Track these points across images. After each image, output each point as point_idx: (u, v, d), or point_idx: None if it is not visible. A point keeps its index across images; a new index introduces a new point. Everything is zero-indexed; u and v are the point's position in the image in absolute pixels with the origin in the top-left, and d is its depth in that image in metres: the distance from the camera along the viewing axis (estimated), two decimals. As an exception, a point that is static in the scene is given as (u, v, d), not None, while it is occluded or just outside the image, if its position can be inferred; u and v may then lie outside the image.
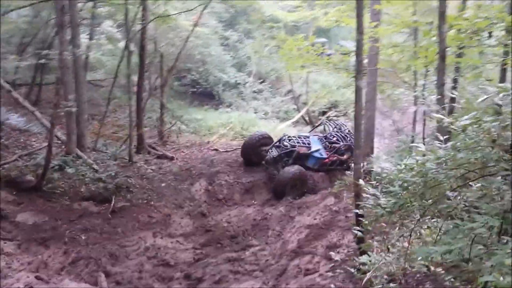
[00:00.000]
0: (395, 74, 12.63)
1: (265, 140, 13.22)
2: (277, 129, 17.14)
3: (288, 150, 12.06)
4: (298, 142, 12.37)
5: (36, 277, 5.44)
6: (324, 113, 20.94)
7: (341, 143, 12.81)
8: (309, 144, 12.49)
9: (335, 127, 13.83)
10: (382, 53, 11.61)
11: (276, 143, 12.61)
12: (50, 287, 5.29)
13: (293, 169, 11.55)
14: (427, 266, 4.25)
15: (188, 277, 7.18)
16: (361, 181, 4.17)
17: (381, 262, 3.75)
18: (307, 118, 20.88)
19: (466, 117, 2.83)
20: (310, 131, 14.22)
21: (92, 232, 7.90)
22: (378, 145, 13.27)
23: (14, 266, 5.81)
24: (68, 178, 9.11)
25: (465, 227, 2.54)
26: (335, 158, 12.62)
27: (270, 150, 12.39)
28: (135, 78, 13.95)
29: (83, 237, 7.65)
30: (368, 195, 3.72)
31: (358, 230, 5.08)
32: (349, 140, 12.85)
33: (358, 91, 6.88)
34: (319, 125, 14.70)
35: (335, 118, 18.24)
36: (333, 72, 21.95)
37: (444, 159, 2.94)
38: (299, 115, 20.64)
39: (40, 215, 7.81)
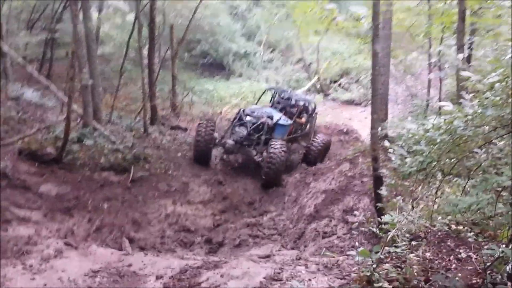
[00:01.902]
0: (408, 39, 12.47)
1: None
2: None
3: (257, 124, 10.54)
4: (259, 114, 10.83)
5: (65, 243, 5.61)
6: (335, 81, 20.83)
7: (300, 103, 11.67)
8: (269, 113, 10.97)
9: (278, 93, 12.49)
10: (395, 18, 11.46)
11: (236, 121, 10.97)
12: (79, 253, 5.46)
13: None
14: (448, 225, 4.33)
15: (209, 241, 7.38)
16: (386, 143, 4.22)
17: (403, 221, 3.83)
18: (318, 86, 20.79)
19: (494, 74, 2.85)
20: (255, 103, 12.59)
21: (114, 201, 8.09)
22: (392, 111, 13.23)
23: (43, 234, 5.99)
24: (87, 150, 9.25)
25: (493, 180, 2.60)
26: (301, 121, 11.52)
27: (234, 131, 10.71)
28: (145, 50, 13.94)
29: (105, 206, 7.84)
30: (392, 156, 3.77)
31: (378, 190, 5.17)
32: (300, 101, 11.84)
33: (375, 55, 6.83)
34: (262, 94, 12.98)
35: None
36: (344, 39, 21.77)
37: (471, 116, 2.98)
38: (310, 84, 20.55)
39: (62, 186, 7.98)
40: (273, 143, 9.90)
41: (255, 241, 7.39)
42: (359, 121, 15.76)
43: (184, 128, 13.93)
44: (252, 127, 10.46)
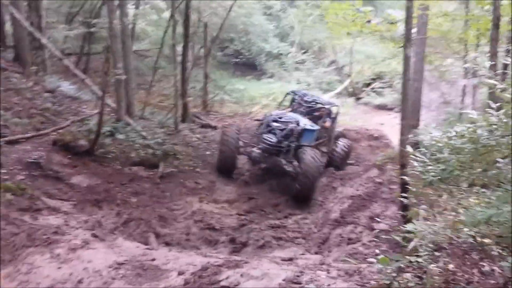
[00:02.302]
0: (444, 45, 12.20)
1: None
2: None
3: (286, 131, 9.74)
4: (286, 120, 10.01)
5: (92, 235, 5.76)
6: (368, 84, 20.59)
7: (325, 107, 11.10)
8: (295, 119, 10.14)
9: (301, 96, 11.57)
10: (431, 22, 11.23)
11: (263, 128, 10.15)
12: (105, 245, 5.60)
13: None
14: (473, 237, 4.24)
15: (233, 241, 7.43)
16: (409, 148, 4.16)
17: (427, 231, 3.77)
18: (350, 90, 20.60)
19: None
20: (278, 107, 11.87)
21: (142, 195, 8.25)
22: (425, 117, 12.97)
23: (71, 224, 6.16)
24: (119, 144, 9.48)
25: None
26: (325, 126, 10.84)
27: (260, 138, 9.90)
28: (179, 48, 14.14)
29: (134, 200, 8.00)
30: (416, 163, 3.72)
31: (403, 197, 5.10)
32: (325, 104, 11.22)
33: (406, 60, 6.77)
34: (284, 98, 12.15)
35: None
36: (378, 42, 21.45)
37: (496, 126, 2.92)
38: (342, 87, 20.38)
39: (93, 178, 8.20)
40: (305, 152, 9.24)
41: (279, 244, 7.39)
42: (391, 127, 15.47)
43: (214, 126, 14.08)
44: (282, 134, 9.68)
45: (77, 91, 12.50)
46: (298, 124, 9.87)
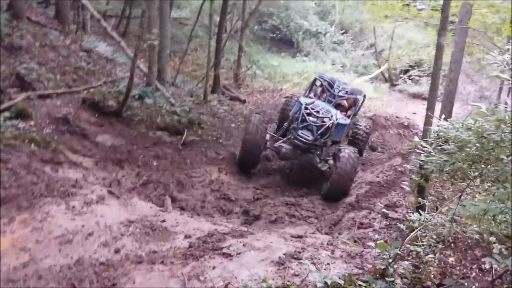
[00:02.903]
0: (486, 37, 11.69)
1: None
2: (354, 84, 16.75)
3: (325, 128, 8.94)
4: (322, 115, 9.15)
5: (109, 191, 5.96)
6: (406, 71, 20.09)
7: (356, 96, 10.31)
8: (328, 110, 9.34)
9: (328, 81, 10.77)
10: (475, 12, 10.77)
11: (296, 120, 9.11)
12: (120, 202, 5.79)
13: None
14: (479, 233, 4.19)
15: (247, 213, 7.54)
16: (416, 138, 4.10)
17: (430, 222, 3.74)
18: (387, 75, 20.17)
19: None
20: (305, 94, 10.69)
21: (163, 160, 8.43)
22: (460, 110, 12.61)
23: (89, 180, 6.39)
24: (146, 108, 9.66)
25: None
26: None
27: (299, 135, 8.84)
28: (217, 18, 14.11)
29: (155, 163, 8.19)
30: (422, 152, 3.68)
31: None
32: (354, 93, 10.49)
33: (439, 48, 6.56)
34: (313, 84, 10.89)
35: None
36: (421, 29, 20.78)
37: (506, 121, 2.83)
38: (379, 71, 19.96)
39: (118, 138, 8.42)
40: (343, 151, 8.59)
41: (291, 220, 7.45)
42: (423, 117, 15.15)
43: (243, 100, 14.11)
44: (320, 132, 8.89)
45: (113, 53, 12.71)
46: (333, 118, 9.10)
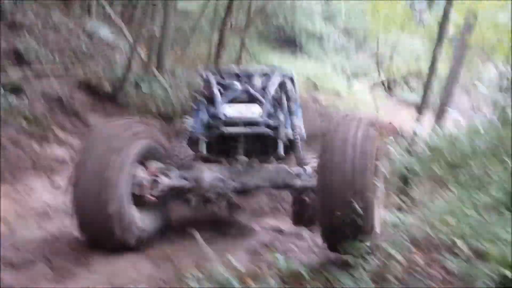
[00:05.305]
0: (485, 53, 11.84)
1: None
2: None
3: None
4: None
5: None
6: (404, 79, 20.18)
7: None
8: None
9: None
10: (479, 29, 10.85)
11: None
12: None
13: None
14: (447, 235, 4.24)
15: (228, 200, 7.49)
16: (390, 140, 4.20)
17: (399, 221, 3.82)
18: (386, 84, 20.25)
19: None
20: None
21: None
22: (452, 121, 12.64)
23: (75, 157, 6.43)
24: (142, 94, 9.72)
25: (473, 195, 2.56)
26: None
27: None
28: (223, 13, 14.11)
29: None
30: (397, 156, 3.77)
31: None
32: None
33: (434, 60, 6.68)
34: None
35: None
36: (425, 39, 20.87)
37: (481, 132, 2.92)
38: (377, 78, 20.04)
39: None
40: None
41: (273, 212, 7.46)
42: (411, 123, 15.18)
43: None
44: None
45: (115, 38, 12.73)
46: None
